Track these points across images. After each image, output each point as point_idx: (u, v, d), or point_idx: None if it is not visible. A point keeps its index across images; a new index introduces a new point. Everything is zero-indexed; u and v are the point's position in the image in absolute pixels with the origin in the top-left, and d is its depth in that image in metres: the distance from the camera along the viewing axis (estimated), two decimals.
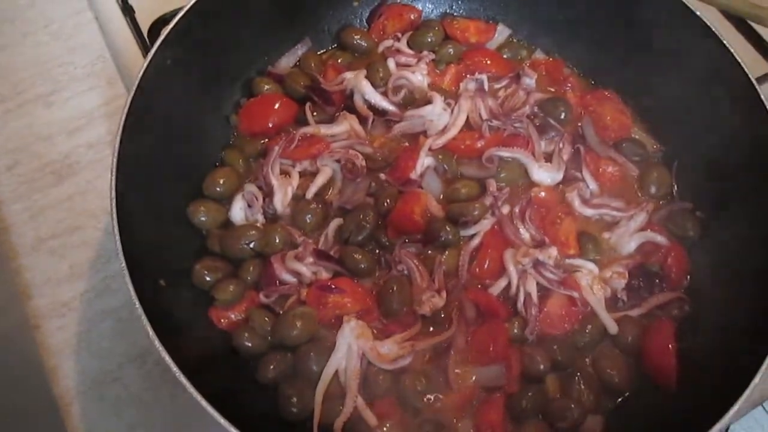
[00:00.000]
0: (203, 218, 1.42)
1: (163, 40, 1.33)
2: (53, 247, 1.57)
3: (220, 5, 1.44)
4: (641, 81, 1.60)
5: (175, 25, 1.36)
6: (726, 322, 1.30)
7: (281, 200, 1.45)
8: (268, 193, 1.45)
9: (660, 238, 1.45)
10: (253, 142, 1.53)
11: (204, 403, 1.05)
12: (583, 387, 1.29)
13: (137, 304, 1.11)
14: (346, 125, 1.54)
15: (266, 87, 1.59)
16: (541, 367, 1.29)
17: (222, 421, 1.05)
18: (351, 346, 1.29)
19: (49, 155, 1.68)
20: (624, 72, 1.62)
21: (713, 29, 1.43)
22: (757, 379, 1.11)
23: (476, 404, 1.30)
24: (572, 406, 1.26)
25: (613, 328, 1.35)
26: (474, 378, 1.30)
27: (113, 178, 1.20)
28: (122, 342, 1.47)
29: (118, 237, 1.16)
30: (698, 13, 1.45)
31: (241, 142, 1.56)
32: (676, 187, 1.54)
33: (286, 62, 1.66)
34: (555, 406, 1.27)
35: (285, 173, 1.49)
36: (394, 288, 1.35)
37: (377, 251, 1.42)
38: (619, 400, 1.32)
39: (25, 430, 1.32)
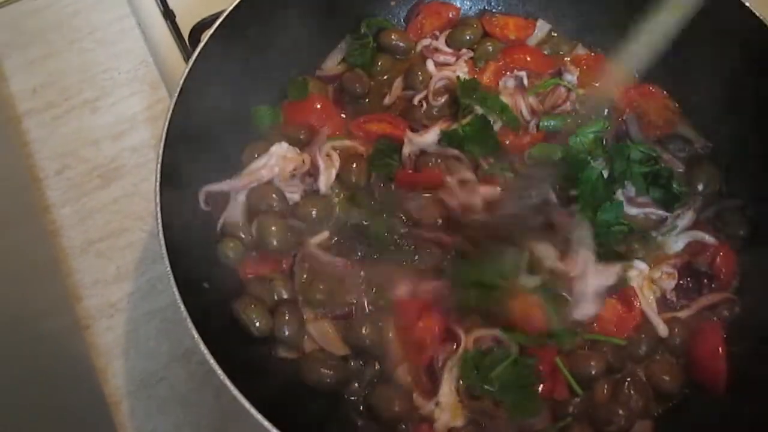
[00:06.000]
0: None
1: (204, 46, 1.35)
2: (101, 249, 1.60)
3: (258, 10, 1.45)
4: (687, 75, 1.54)
5: (214, 31, 1.37)
6: None
7: (325, 181, 1.47)
8: (313, 173, 1.47)
9: (708, 238, 1.41)
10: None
11: (248, 405, 1.07)
12: (632, 391, 1.26)
13: (182, 308, 1.13)
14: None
15: (307, 88, 1.58)
16: (593, 371, 1.26)
17: (266, 423, 1.06)
18: None
19: (96, 159, 1.72)
20: (669, 66, 1.56)
21: (762, 18, 1.38)
22: None
23: None
24: (620, 411, 1.23)
25: (663, 330, 1.32)
26: None
27: (157, 183, 1.22)
28: (167, 341, 1.50)
29: (163, 241, 1.18)
30: (747, 3, 1.40)
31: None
32: (725, 184, 1.48)
33: (331, 63, 1.66)
34: (602, 411, 1.25)
35: (327, 155, 1.51)
36: None
37: None
38: (669, 404, 1.29)
39: (76, 427, 1.36)
